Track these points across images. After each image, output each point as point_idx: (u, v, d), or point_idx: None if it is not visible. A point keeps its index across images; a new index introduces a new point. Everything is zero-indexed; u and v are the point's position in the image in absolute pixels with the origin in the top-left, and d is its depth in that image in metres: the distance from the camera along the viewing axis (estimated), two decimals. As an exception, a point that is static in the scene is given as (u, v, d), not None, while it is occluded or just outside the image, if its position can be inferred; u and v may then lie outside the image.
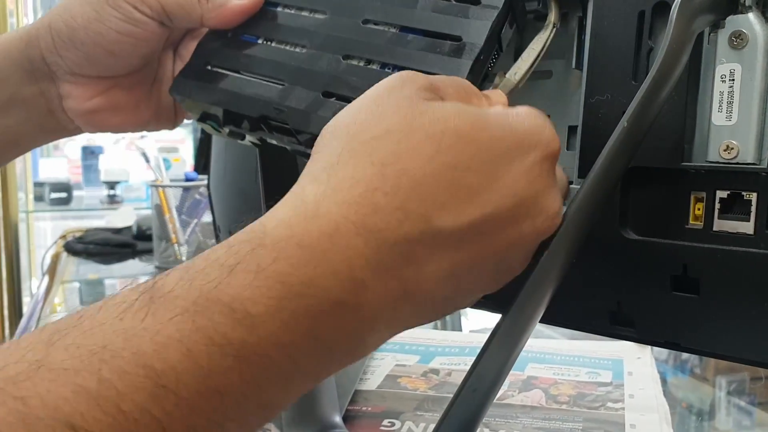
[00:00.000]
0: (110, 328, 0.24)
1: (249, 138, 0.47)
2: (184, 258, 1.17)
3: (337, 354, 0.28)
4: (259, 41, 0.46)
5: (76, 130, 0.52)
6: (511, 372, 0.63)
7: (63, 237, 1.45)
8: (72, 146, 2.21)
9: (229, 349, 0.25)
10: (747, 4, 0.34)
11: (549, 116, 0.42)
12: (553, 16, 0.41)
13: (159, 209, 0.97)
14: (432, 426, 0.51)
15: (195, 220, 1.08)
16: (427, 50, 0.40)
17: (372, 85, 0.33)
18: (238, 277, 0.25)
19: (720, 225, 0.36)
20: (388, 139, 0.29)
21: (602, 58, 0.39)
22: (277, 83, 0.43)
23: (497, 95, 0.37)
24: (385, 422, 0.51)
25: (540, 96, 0.44)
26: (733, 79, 0.35)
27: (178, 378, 0.24)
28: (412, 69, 0.36)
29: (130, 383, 0.23)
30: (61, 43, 0.46)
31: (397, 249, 0.28)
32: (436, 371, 0.63)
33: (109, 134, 0.52)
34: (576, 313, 0.41)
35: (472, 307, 0.49)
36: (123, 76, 0.49)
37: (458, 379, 0.67)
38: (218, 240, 0.72)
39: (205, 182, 0.78)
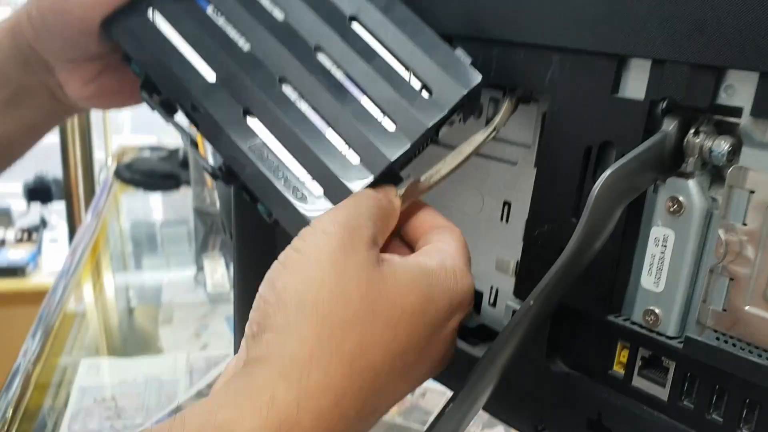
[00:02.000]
0: None
1: (157, 110, 0.43)
2: (217, 204, 1.20)
3: None
4: (209, 10, 0.42)
5: (87, 109, 0.53)
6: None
7: (119, 155, 1.51)
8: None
9: None
10: (689, 170, 0.32)
11: (509, 204, 0.42)
12: (498, 120, 0.39)
13: (196, 152, 1.00)
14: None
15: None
16: (358, 122, 0.38)
17: (292, 129, 0.37)
18: None
19: (639, 382, 0.35)
20: (354, 328, 0.30)
21: (546, 188, 0.37)
22: (208, 73, 0.40)
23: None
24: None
25: (501, 180, 0.43)
26: (666, 246, 0.33)
27: None
28: (337, 136, 0.37)
29: None
30: (39, 30, 0.45)
31: None
32: (412, 389, 0.65)
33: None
34: (511, 414, 0.42)
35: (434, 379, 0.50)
36: (111, 56, 0.47)
37: (431, 402, 0.69)
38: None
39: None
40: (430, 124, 0.37)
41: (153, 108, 0.43)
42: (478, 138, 0.40)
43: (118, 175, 1.38)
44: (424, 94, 0.38)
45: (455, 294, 0.33)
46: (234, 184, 0.40)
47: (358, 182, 0.36)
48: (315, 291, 0.30)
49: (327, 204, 0.37)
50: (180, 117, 0.43)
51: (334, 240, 0.31)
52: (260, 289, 0.32)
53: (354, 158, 0.37)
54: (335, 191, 0.37)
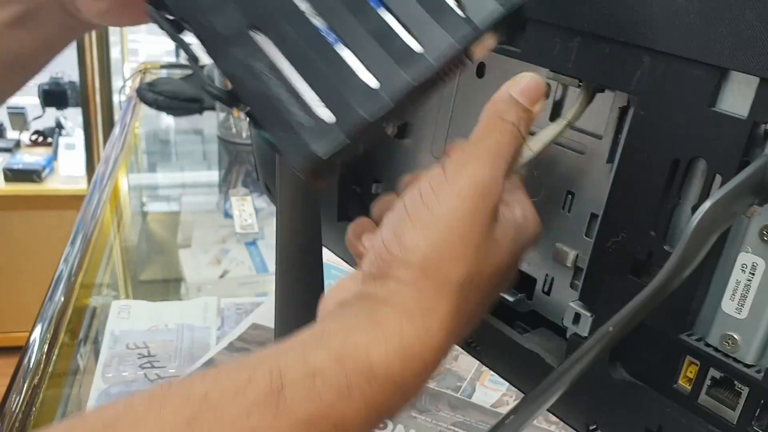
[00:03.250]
0: (240, 424, 0.29)
1: (163, 26, 0.39)
2: (243, 135, 1.18)
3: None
4: None
5: (100, 25, 0.53)
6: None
7: (141, 72, 1.47)
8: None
9: None
10: (790, 199, 0.30)
11: (573, 193, 0.40)
12: (571, 114, 0.37)
13: (201, 72, 0.99)
14: (420, 434, 0.53)
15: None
16: (379, 41, 0.34)
17: (302, 47, 0.34)
18: (346, 404, 0.31)
19: (706, 400, 0.34)
20: (465, 286, 0.34)
21: (625, 196, 0.35)
22: None
23: None
24: (379, 421, 0.54)
25: (566, 168, 0.41)
26: (753, 274, 0.31)
27: None
28: (354, 56, 0.34)
29: None
30: None
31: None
32: (446, 350, 0.64)
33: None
34: (563, 409, 0.42)
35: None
36: None
37: (463, 366, 0.69)
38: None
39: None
40: (461, 46, 0.33)
41: (160, 24, 0.39)
42: (548, 133, 0.38)
43: (141, 96, 1.35)
44: (457, 10, 0.33)
45: (533, 240, 0.38)
46: (237, 107, 0.36)
47: (374, 109, 0.33)
48: (440, 256, 0.34)
49: (340, 135, 0.33)
50: (187, 36, 0.39)
51: (466, 205, 0.34)
52: (383, 235, 0.35)
53: (372, 82, 0.33)
54: (348, 119, 0.33)
